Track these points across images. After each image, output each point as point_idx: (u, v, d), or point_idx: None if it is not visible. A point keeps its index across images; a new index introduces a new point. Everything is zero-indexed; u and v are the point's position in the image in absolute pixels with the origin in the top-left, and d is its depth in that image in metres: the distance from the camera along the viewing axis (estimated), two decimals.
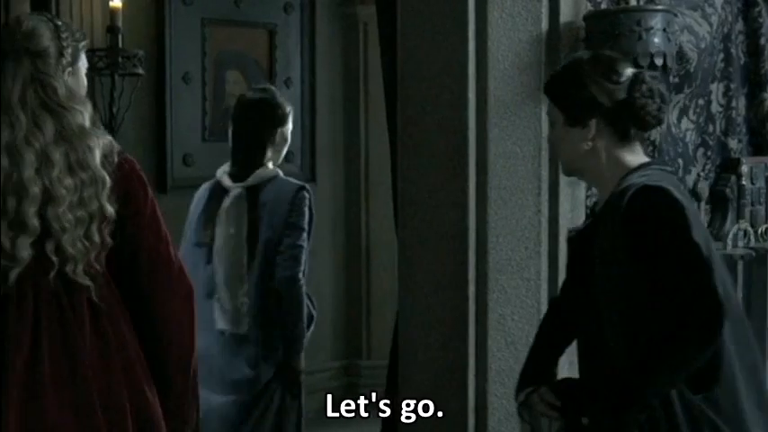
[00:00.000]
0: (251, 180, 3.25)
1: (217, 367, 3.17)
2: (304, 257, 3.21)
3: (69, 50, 2.36)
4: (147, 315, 2.24)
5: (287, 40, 5.42)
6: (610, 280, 2.15)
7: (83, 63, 2.41)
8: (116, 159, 2.22)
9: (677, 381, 2.08)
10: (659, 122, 2.26)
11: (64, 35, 2.36)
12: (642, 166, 2.20)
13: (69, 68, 2.36)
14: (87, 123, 2.23)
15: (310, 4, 5.50)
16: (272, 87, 3.63)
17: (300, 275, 3.21)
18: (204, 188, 3.41)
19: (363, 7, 5.64)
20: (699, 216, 2.11)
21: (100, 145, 2.21)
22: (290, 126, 3.37)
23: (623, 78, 2.20)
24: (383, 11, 3.21)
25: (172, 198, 5.03)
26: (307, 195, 3.23)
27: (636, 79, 2.20)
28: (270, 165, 3.30)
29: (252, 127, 3.29)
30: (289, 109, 3.38)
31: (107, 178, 2.17)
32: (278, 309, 3.21)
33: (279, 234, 3.19)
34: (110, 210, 2.16)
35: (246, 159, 3.29)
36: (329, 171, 5.73)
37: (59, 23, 2.40)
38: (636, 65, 2.79)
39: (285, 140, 3.35)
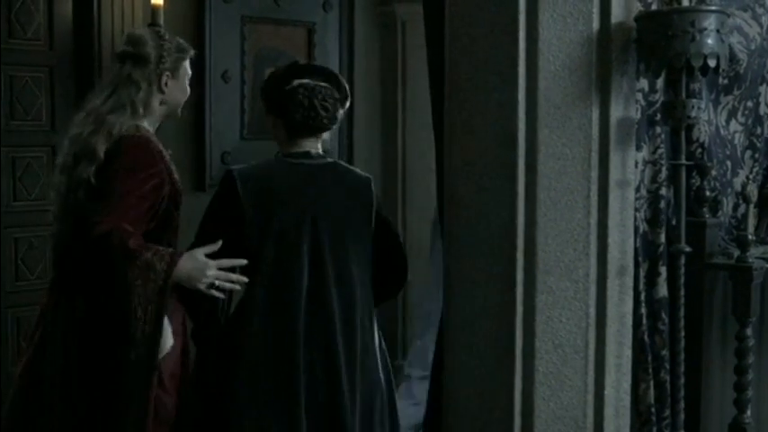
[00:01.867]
0: None
1: None
2: None
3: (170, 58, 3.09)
4: None
5: (325, 39, 5.41)
6: None
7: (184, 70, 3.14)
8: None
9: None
10: (311, 129, 3.07)
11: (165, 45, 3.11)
12: (277, 155, 3.11)
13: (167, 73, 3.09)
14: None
15: (349, 2, 5.48)
16: None
17: None
18: None
19: (401, 5, 5.63)
20: (279, 195, 3.00)
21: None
22: None
23: (287, 87, 3.03)
24: (431, 11, 3.19)
25: (210, 196, 5.04)
26: None
27: (290, 92, 3.02)
28: None
29: None
30: None
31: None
32: None
33: None
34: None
35: None
36: (366, 169, 5.64)
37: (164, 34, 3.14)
38: (688, 66, 2.78)
39: None
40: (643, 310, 3.10)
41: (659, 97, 3.10)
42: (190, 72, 3.17)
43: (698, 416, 3.24)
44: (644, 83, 3.05)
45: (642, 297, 3.10)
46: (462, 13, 2.87)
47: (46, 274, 4.21)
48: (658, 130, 3.13)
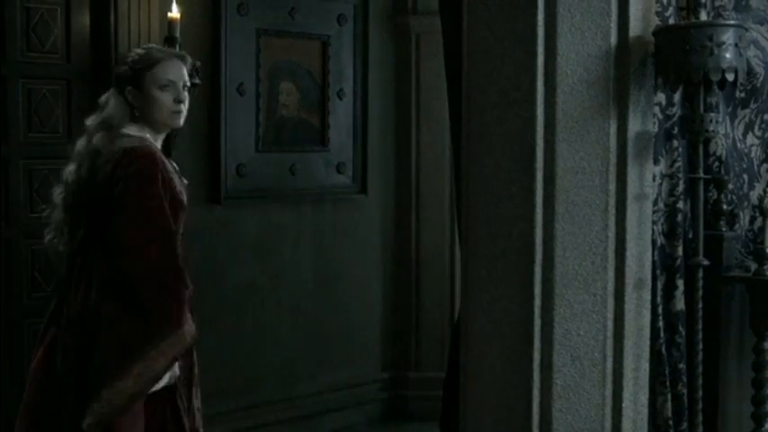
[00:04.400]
0: None
1: None
2: None
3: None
4: None
5: (340, 52, 5.44)
6: None
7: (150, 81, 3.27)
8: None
9: None
10: None
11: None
12: None
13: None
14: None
15: (363, 15, 5.51)
16: None
17: None
18: None
19: (416, 18, 5.66)
20: None
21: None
22: None
23: None
24: (448, 24, 3.20)
25: (225, 209, 5.07)
26: None
27: None
28: None
29: None
30: None
31: None
32: None
33: None
34: None
35: None
36: (380, 182, 5.73)
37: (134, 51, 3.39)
38: (706, 80, 2.78)
39: None
40: (660, 323, 3.10)
41: (677, 111, 3.11)
42: (161, 78, 3.27)
43: (715, 429, 3.23)
44: (661, 96, 3.06)
45: (660, 310, 3.09)
46: (479, 26, 2.88)
47: None
48: (676, 143, 3.13)
